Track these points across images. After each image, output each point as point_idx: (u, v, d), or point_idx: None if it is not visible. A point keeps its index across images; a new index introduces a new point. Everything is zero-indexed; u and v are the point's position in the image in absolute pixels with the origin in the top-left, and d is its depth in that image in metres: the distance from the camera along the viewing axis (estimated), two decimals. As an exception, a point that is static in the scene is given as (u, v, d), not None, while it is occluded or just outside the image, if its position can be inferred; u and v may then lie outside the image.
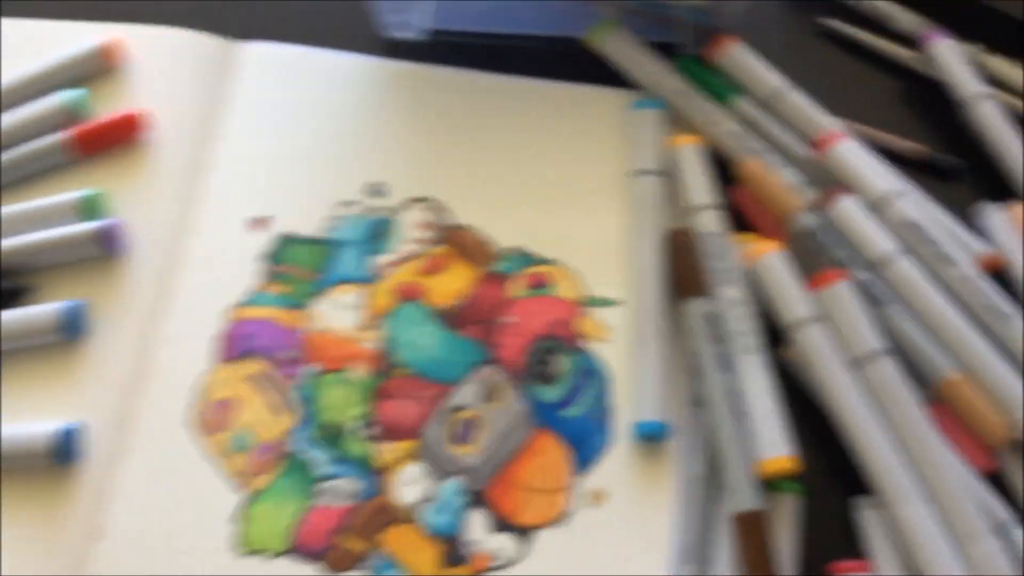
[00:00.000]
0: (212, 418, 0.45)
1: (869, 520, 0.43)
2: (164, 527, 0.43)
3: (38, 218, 0.47)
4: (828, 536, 0.43)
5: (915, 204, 0.48)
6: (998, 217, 0.48)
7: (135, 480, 0.43)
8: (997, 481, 0.43)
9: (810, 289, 0.45)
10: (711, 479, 0.43)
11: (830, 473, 0.44)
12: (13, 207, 0.47)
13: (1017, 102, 0.51)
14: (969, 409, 0.43)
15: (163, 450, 0.44)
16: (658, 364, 0.45)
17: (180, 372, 0.45)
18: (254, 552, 0.42)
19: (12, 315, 0.45)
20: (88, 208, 0.47)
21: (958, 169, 0.51)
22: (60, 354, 0.45)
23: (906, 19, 0.54)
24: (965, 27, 0.53)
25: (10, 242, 0.46)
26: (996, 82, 0.52)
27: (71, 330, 0.45)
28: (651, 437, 0.44)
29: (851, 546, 0.43)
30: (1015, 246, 0.47)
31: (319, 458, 0.44)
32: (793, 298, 0.45)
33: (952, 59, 0.51)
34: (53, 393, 0.45)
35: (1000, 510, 0.42)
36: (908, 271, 0.45)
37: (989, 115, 0.50)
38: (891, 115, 0.53)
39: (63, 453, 0.43)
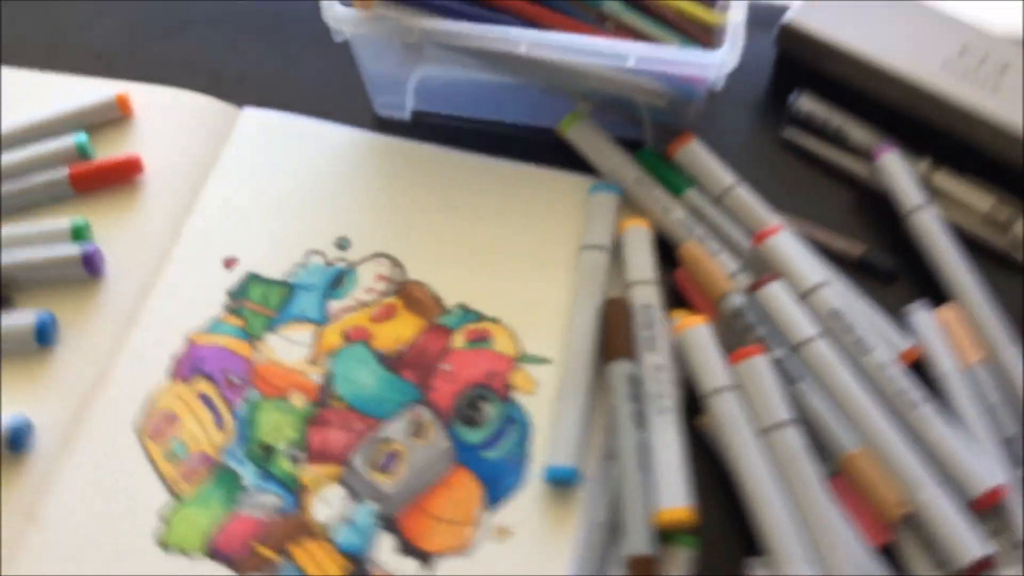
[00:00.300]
0: (156, 427, 0.48)
1: (758, 579, 0.44)
2: (97, 519, 0.46)
3: (35, 240, 0.52)
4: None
5: (840, 295, 0.50)
6: (926, 317, 0.50)
7: (77, 474, 0.47)
8: (891, 555, 0.44)
9: (730, 363, 0.48)
10: (612, 527, 0.45)
11: (729, 533, 0.46)
12: (12, 228, 0.53)
13: (956, 214, 0.54)
14: (867, 483, 0.45)
15: (107, 450, 0.47)
16: (577, 417, 0.47)
17: (135, 383, 0.49)
18: (177, 550, 0.45)
19: (-6, 318, 0.50)
20: (77, 234, 0.52)
21: (893, 271, 0.53)
22: (31, 357, 0.50)
23: (861, 134, 0.57)
24: (916, 143, 0.56)
25: (6, 258, 0.52)
26: (940, 195, 0.55)
27: (43, 337, 0.49)
28: (560, 482, 0.46)
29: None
30: (938, 345, 0.49)
31: (247, 472, 0.47)
32: (712, 368, 0.47)
33: (897, 171, 0.54)
34: (17, 390, 0.49)
35: (884, 578, 0.43)
36: (823, 352, 0.47)
37: (927, 224, 0.53)
38: (843, 222, 0.56)
39: (12, 443, 0.46)
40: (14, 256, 0.52)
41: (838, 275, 0.52)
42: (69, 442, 0.48)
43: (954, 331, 0.50)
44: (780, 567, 0.43)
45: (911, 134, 0.57)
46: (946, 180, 0.55)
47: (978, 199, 0.54)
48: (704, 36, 0.53)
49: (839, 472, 0.46)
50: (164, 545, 0.45)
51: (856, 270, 0.54)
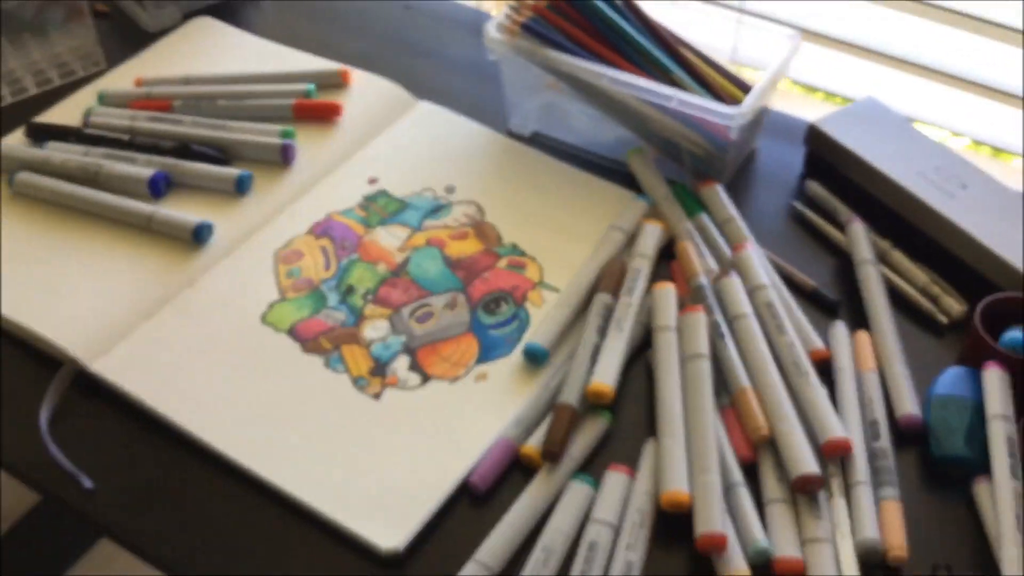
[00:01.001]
0: (287, 256, 0.70)
1: (647, 448, 0.59)
2: (232, 293, 0.67)
3: (256, 131, 0.77)
4: (620, 455, 0.60)
5: (778, 298, 0.65)
6: (842, 330, 0.65)
7: (229, 266, 0.69)
8: (752, 471, 0.58)
9: (680, 315, 0.64)
10: (557, 392, 0.61)
11: (639, 425, 0.62)
12: (247, 124, 0.77)
13: (902, 282, 0.68)
14: (745, 410, 0.59)
15: (253, 261, 0.69)
16: (561, 320, 0.65)
17: (286, 229, 0.72)
18: (270, 325, 0.65)
19: (210, 168, 0.73)
20: (285, 135, 0.76)
21: (835, 303, 0.68)
22: (230, 197, 0.73)
23: (844, 210, 0.73)
24: (888, 229, 0.71)
25: (234, 135, 0.76)
26: (892, 267, 0.69)
27: (241, 185, 0.73)
28: (533, 356, 0.63)
29: (632, 466, 0.59)
30: (843, 349, 0.64)
31: (332, 297, 0.67)
32: (666, 313, 0.64)
33: (859, 235, 0.70)
34: (214, 213, 0.72)
35: (737, 474, 0.57)
36: (750, 324, 0.63)
37: (869, 273, 0.67)
38: (818, 271, 0.71)
39: (196, 234, 0.69)
40: (239, 135, 0.76)
41: (792, 298, 0.67)
42: (231, 249, 0.70)
43: (861, 347, 0.64)
44: (661, 439, 0.58)
45: (887, 222, 0.72)
46: (899, 257, 0.70)
47: (918, 275, 0.69)
48: (732, 102, 0.71)
49: (731, 406, 0.61)
50: (263, 319, 0.65)
51: (809, 300, 0.68)
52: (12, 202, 0.73)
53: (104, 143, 0.76)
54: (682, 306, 0.65)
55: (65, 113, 0.80)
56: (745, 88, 0.74)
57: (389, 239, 0.71)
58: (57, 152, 0.75)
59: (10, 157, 0.75)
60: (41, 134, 0.78)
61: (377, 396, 0.62)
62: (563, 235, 0.72)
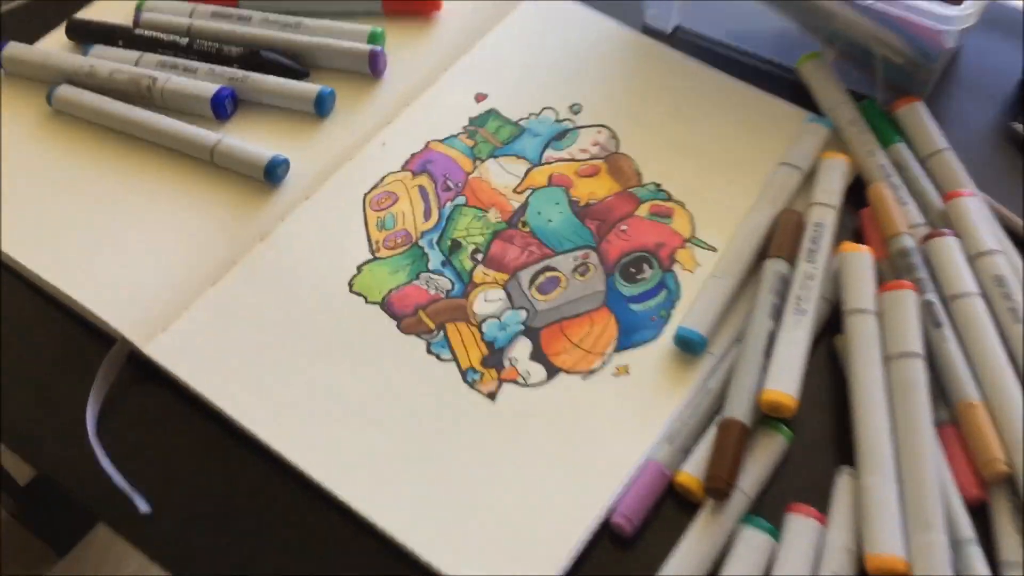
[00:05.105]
0: (379, 199, 0.51)
1: (841, 483, 0.41)
2: (312, 251, 0.49)
3: (340, 34, 0.57)
4: (801, 484, 0.42)
5: (1010, 266, 0.45)
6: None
7: (309, 214, 0.51)
8: (980, 515, 0.40)
9: (879, 292, 0.44)
10: (720, 397, 0.43)
11: (826, 442, 0.43)
12: (326, 22, 0.57)
13: None
14: (977, 433, 0.41)
15: (337, 204, 0.51)
16: (722, 296, 0.46)
17: (376, 163, 0.52)
18: (359, 294, 0.48)
19: (284, 83, 0.55)
20: (373, 38, 0.56)
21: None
22: (308, 120, 0.54)
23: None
24: None
25: (311, 38, 0.56)
26: None
27: (320, 106, 0.54)
28: (687, 344, 0.45)
29: (820, 503, 0.41)
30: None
31: (434, 256, 0.49)
32: (862, 289, 0.44)
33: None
34: (290, 143, 0.53)
35: (967, 529, 0.39)
36: (976, 307, 0.43)
37: None
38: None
39: (268, 172, 0.51)
40: (317, 38, 0.56)
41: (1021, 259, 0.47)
42: (312, 191, 0.52)
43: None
44: (864, 476, 0.40)
45: None
46: None
47: None
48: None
49: (952, 423, 0.42)
50: (351, 286, 0.48)
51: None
52: (51, 122, 0.55)
53: (159, 47, 0.57)
54: (881, 279, 0.46)
55: (109, 8, 0.61)
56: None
57: (502, 176, 0.52)
58: (104, 59, 0.57)
59: (48, 65, 0.57)
60: (85, 34, 0.59)
61: (492, 396, 0.45)
62: (719, 171, 0.52)
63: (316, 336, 0.46)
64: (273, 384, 0.45)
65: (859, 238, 0.49)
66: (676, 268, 0.48)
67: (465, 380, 0.45)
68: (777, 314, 0.45)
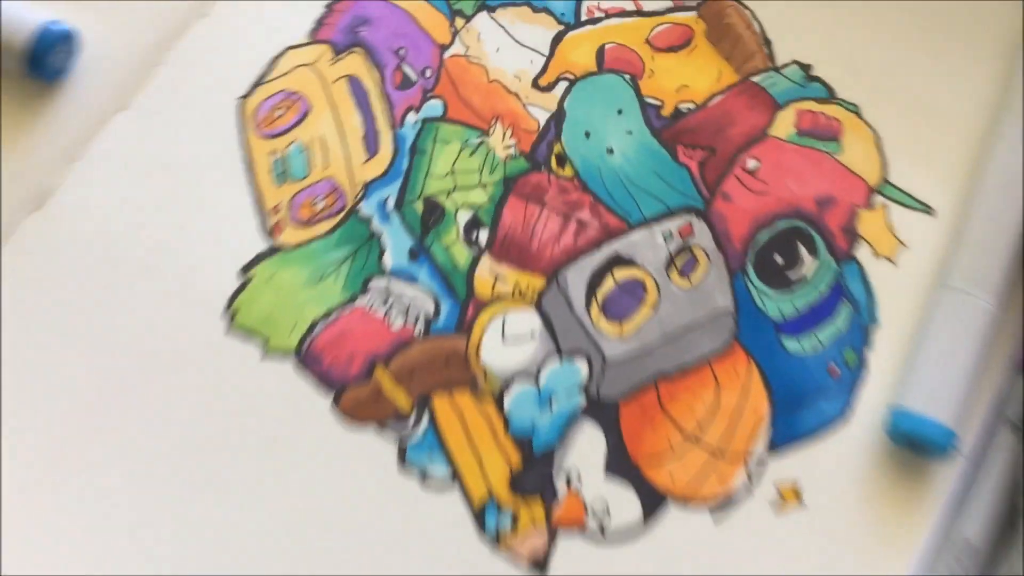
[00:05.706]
0: (268, 113, 0.25)
1: None
2: (135, 238, 0.24)
3: None
4: None
5: None
6: None
7: (124, 152, 0.24)
8: None
9: None
10: (994, 553, 0.22)
11: None
12: None
13: None
14: None
15: (185, 130, 0.25)
16: (970, 338, 0.24)
17: (258, 35, 0.26)
18: (248, 333, 0.23)
19: None
20: None
21: None
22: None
23: None
24: None
25: None
26: None
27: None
28: (917, 442, 0.23)
29: None
30: None
31: (393, 238, 0.24)
32: None
33: None
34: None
35: None
36: None
37: None
38: None
39: (39, 62, 0.24)
40: None
41: None
42: (128, 95, 0.25)
43: None
44: None
45: None
46: None
47: None
48: None
49: None
50: (232, 319, 0.23)
51: None
52: None
53: None
54: None
55: None
56: None
57: (507, 53, 0.26)
58: None
59: None
60: None
61: (540, 565, 0.22)
62: (919, 49, 0.27)
63: (149, 445, 0.22)
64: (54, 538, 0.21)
65: None
66: (861, 253, 0.25)
67: (483, 529, 0.22)
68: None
